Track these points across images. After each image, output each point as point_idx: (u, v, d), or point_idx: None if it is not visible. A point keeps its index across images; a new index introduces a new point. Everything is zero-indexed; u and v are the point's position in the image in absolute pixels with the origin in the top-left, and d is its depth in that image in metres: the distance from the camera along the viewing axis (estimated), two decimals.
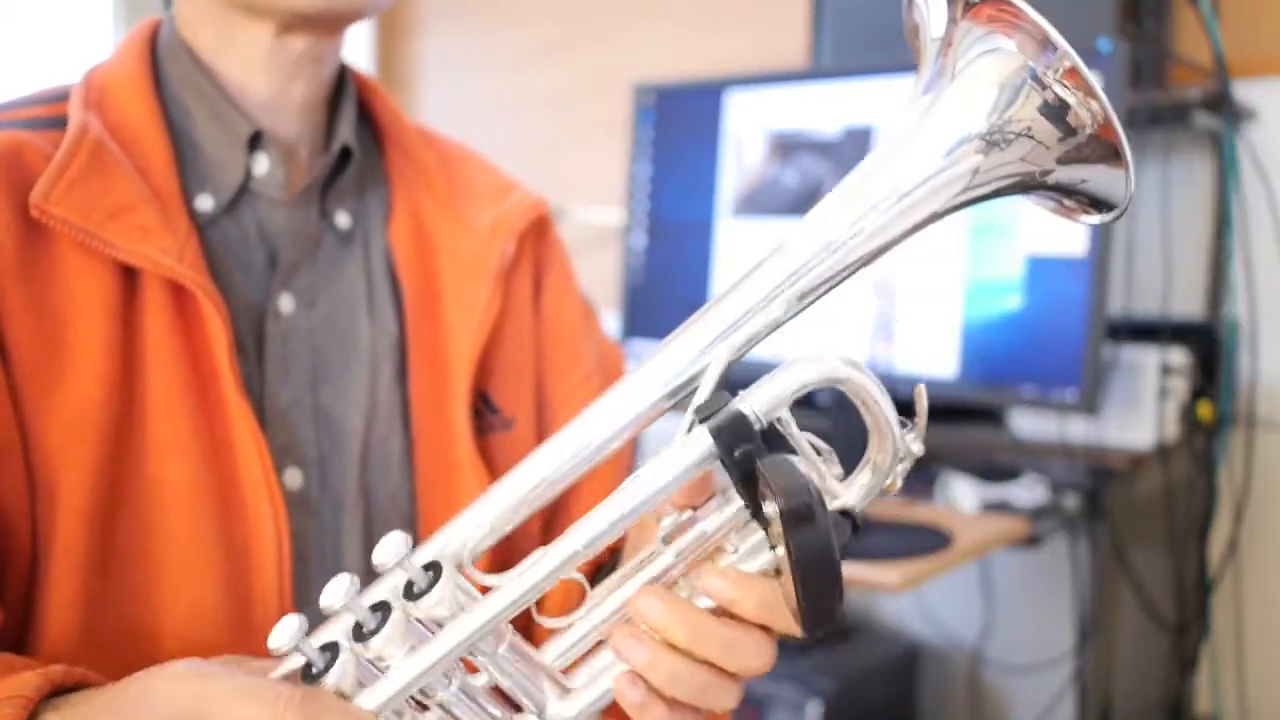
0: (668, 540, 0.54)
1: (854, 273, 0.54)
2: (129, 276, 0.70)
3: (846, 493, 0.55)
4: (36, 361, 0.66)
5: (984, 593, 1.94)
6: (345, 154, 0.80)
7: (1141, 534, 1.72)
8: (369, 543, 0.77)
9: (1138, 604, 1.69)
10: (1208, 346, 1.69)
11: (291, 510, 0.73)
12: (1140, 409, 1.61)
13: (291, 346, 0.76)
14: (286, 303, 0.76)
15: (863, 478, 0.55)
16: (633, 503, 0.52)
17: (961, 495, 1.55)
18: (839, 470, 0.56)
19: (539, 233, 0.88)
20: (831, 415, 1.74)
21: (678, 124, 1.89)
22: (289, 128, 0.78)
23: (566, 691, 0.56)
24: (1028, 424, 1.66)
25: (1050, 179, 0.52)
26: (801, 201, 1.74)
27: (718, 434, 0.50)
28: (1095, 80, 0.49)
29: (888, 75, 1.66)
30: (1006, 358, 1.54)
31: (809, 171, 1.73)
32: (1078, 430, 1.59)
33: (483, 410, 0.82)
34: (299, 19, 0.73)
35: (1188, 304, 1.75)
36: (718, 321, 0.54)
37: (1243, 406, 1.70)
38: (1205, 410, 1.66)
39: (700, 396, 0.53)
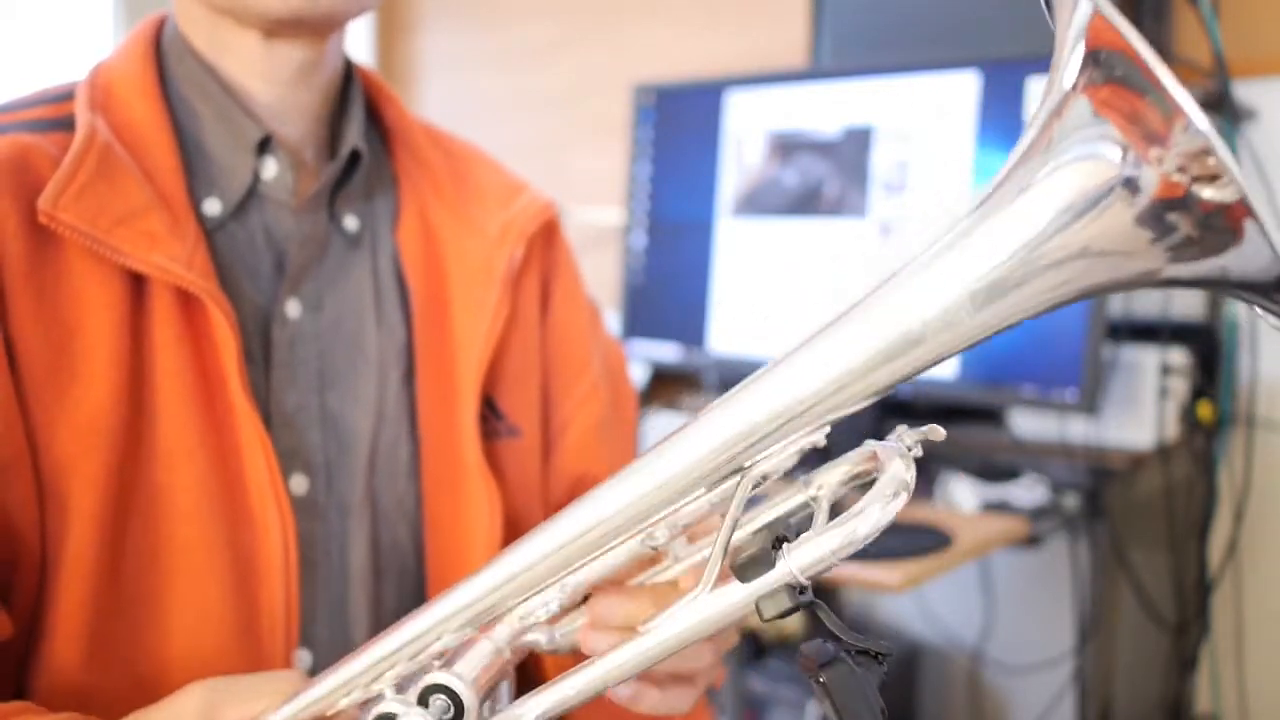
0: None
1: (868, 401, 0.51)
2: (137, 283, 0.69)
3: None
4: (46, 370, 0.66)
5: (984, 593, 1.94)
6: (354, 157, 0.79)
7: (1141, 534, 1.72)
8: (375, 548, 0.77)
9: (1138, 604, 1.69)
10: (1208, 346, 1.69)
11: (298, 515, 0.73)
12: (1140, 409, 1.61)
13: (298, 351, 0.76)
14: (293, 307, 0.76)
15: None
16: (651, 652, 0.51)
17: (961, 495, 1.55)
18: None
19: (548, 236, 0.88)
20: None
21: (678, 124, 1.89)
22: (293, 132, 0.77)
23: None
24: (1028, 424, 1.66)
25: (1151, 280, 0.46)
26: (801, 201, 1.74)
27: (761, 604, 0.48)
28: (1229, 158, 0.41)
29: (888, 75, 1.66)
30: (1006, 358, 1.54)
31: (809, 171, 1.73)
32: (1078, 430, 1.59)
33: (489, 417, 0.81)
34: (276, 25, 0.72)
35: (1188, 304, 1.75)
36: (736, 437, 0.50)
37: (1243, 406, 1.70)
38: (1205, 410, 1.66)
39: (727, 528, 0.49)
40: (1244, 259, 0.44)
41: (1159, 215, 0.43)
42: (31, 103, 0.73)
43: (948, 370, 1.58)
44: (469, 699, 0.52)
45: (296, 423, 0.75)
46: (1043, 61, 1.51)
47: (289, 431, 0.74)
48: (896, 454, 0.50)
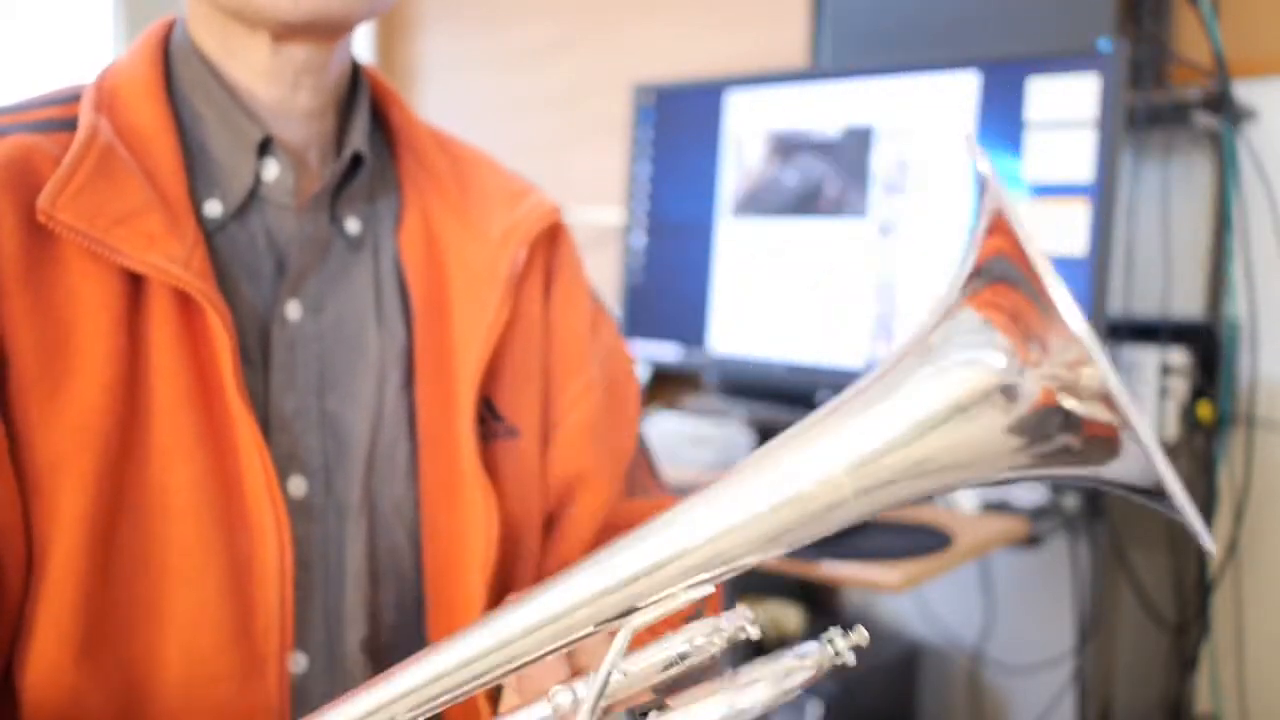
0: None
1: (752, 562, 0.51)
2: (135, 283, 0.69)
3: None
4: (39, 368, 0.66)
5: (984, 593, 1.94)
6: (357, 160, 0.79)
7: (1141, 534, 1.72)
8: (372, 551, 0.77)
9: (1138, 604, 1.69)
10: (1208, 346, 1.69)
11: (295, 518, 0.73)
12: (1140, 409, 1.61)
13: (298, 353, 0.76)
14: (293, 309, 0.76)
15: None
16: None
17: (961, 495, 1.55)
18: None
19: (552, 240, 0.88)
20: None
21: (678, 124, 1.89)
22: (297, 134, 0.77)
23: None
24: None
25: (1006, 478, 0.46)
26: (801, 201, 1.74)
27: None
28: (1113, 380, 0.40)
29: (888, 75, 1.66)
30: None
31: (809, 171, 1.73)
32: None
33: (487, 417, 0.81)
34: (288, 29, 0.72)
35: (1188, 304, 1.75)
36: (615, 590, 0.50)
37: (1243, 406, 1.70)
38: (1205, 410, 1.66)
39: (598, 681, 0.49)
40: (1121, 469, 0.43)
41: (1035, 423, 0.42)
42: (38, 104, 0.74)
43: None
44: None
45: (295, 425, 0.75)
46: (1043, 61, 1.51)
47: (287, 434, 0.74)
48: (797, 651, 0.51)
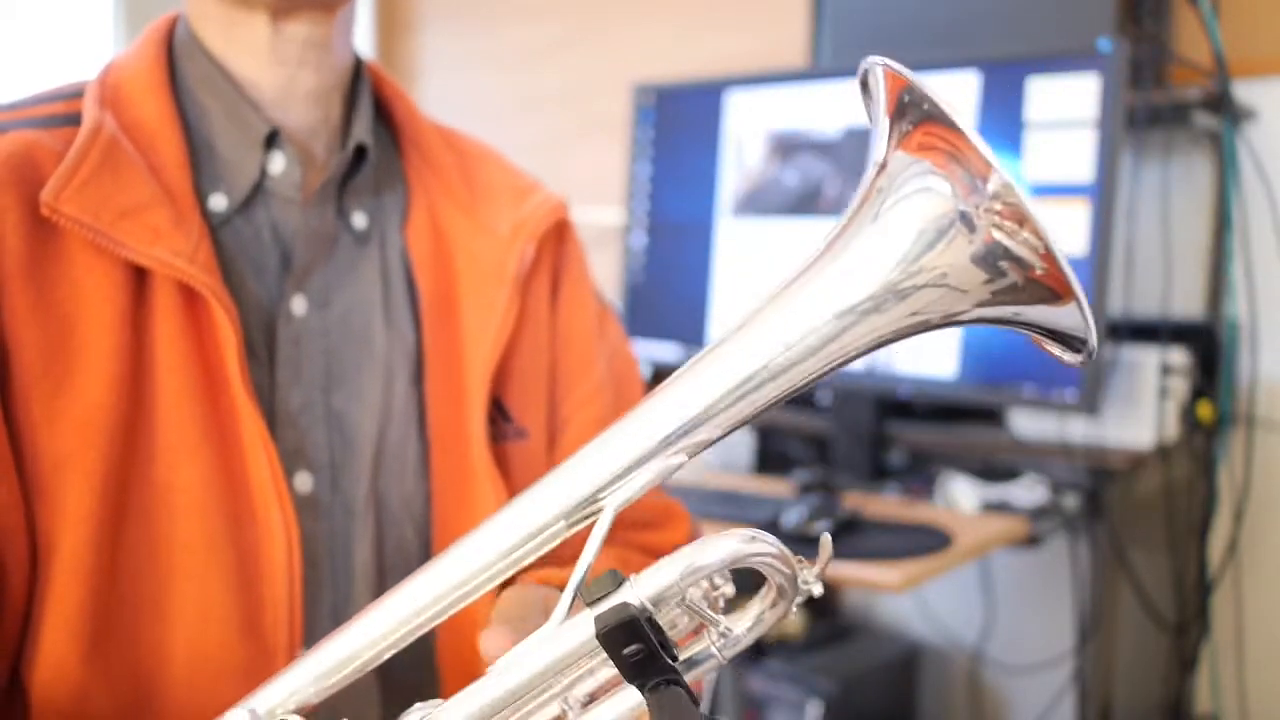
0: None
1: (742, 425, 0.51)
2: (140, 277, 0.69)
3: (738, 628, 0.52)
4: (43, 364, 0.66)
5: (984, 593, 1.94)
6: (361, 152, 0.79)
7: (1141, 534, 1.72)
8: (380, 547, 0.77)
9: (1138, 604, 1.69)
10: (1208, 346, 1.69)
11: (301, 514, 0.72)
12: (1140, 409, 1.61)
13: (304, 349, 0.75)
14: (299, 304, 0.76)
15: (749, 615, 0.52)
16: (505, 689, 0.50)
17: (961, 495, 1.55)
18: (729, 589, 0.54)
19: (559, 236, 0.88)
20: (832, 415, 1.74)
21: (678, 124, 1.89)
22: (301, 120, 0.77)
23: None
24: (1028, 424, 1.66)
25: (966, 317, 0.48)
26: (801, 201, 1.74)
27: (604, 636, 0.47)
28: (1038, 221, 0.44)
29: None
30: (1006, 358, 1.54)
31: (809, 171, 1.73)
32: (1078, 430, 1.59)
33: (497, 419, 0.81)
34: (282, 2, 0.72)
35: (1188, 304, 1.75)
36: (609, 464, 0.51)
37: (1243, 406, 1.70)
38: (1205, 410, 1.66)
39: (582, 566, 0.50)
40: (1057, 316, 0.46)
41: (991, 257, 0.45)
42: (40, 100, 0.74)
43: (948, 370, 1.58)
44: None
45: (301, 421, 0.75)
46: (1043, 61, 1.51)
47: (293, 430, 0.74)
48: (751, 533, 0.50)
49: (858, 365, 1.82)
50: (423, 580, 0.52)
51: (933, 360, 1.60)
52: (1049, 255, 0.44)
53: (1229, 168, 1.66)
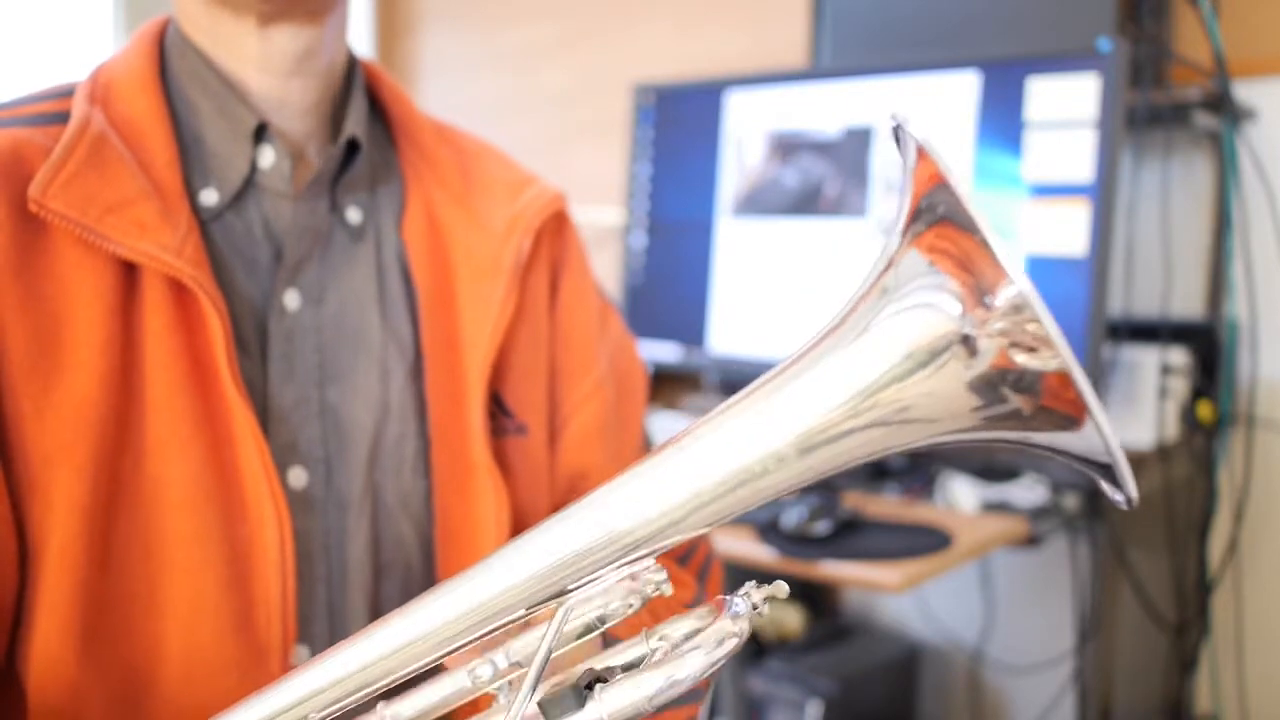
0: None
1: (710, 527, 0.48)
2: (129, 272, 0.69)
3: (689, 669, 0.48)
4: (32, 360, 0.66)
5: (984, 593, 1.94)
6: (353, 147, 0.79)
7: (1141, 534, 1.72)
8: (376, 544, 0.77)
9: (1138, 604, 1.69)
10: (1208, 346, 1.69)
11: (295, 510, 0.72)
12: (1140, 409, 1.61)
13: (297, 344, 0.75)
14: (292, 299, 0.76)
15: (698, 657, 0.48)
16: None
17: (961, 495, 1.55)
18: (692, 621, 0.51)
19: (557, 228, 0.87)
20: None
21: (678, 124, 1.89)
22: (294, 124, 0.77)
23: None
24: None
25: (969, 438, 0.43)
26: (801, 201, 1.74)
27: None
28: (1059, 339, 0.38)
29: (888, 75, 1.66)
30: None
31: (809, 171, 1.73)
32: None
33: (496, 413, 0.81)
34: (272, 8, 0.72)
35: (1188, 304, 1.75)
36: (557, 567, 0.48)
37: (1243, 406, 1.70)
38: (1205, 410, 1.66)
39: (536, 666, 0.47)
40: (1077, 442, 0.40)
41: (994, 383, 0.40)
42: (32, 99, 0.74)
43: None
44: None
45: (295, 416, 0.74)
46: (1043, 61, 1.51)
47: (287, 425, 0.74)
48: (730, 612, 0.48)
49: None
50: (365, 642, 0.50)
51: None
52: (1069, 376, 0.38)
53: (1229, 168, 1.66)
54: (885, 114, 1.65)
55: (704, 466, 0.46)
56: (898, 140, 0.45)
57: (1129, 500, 0.42)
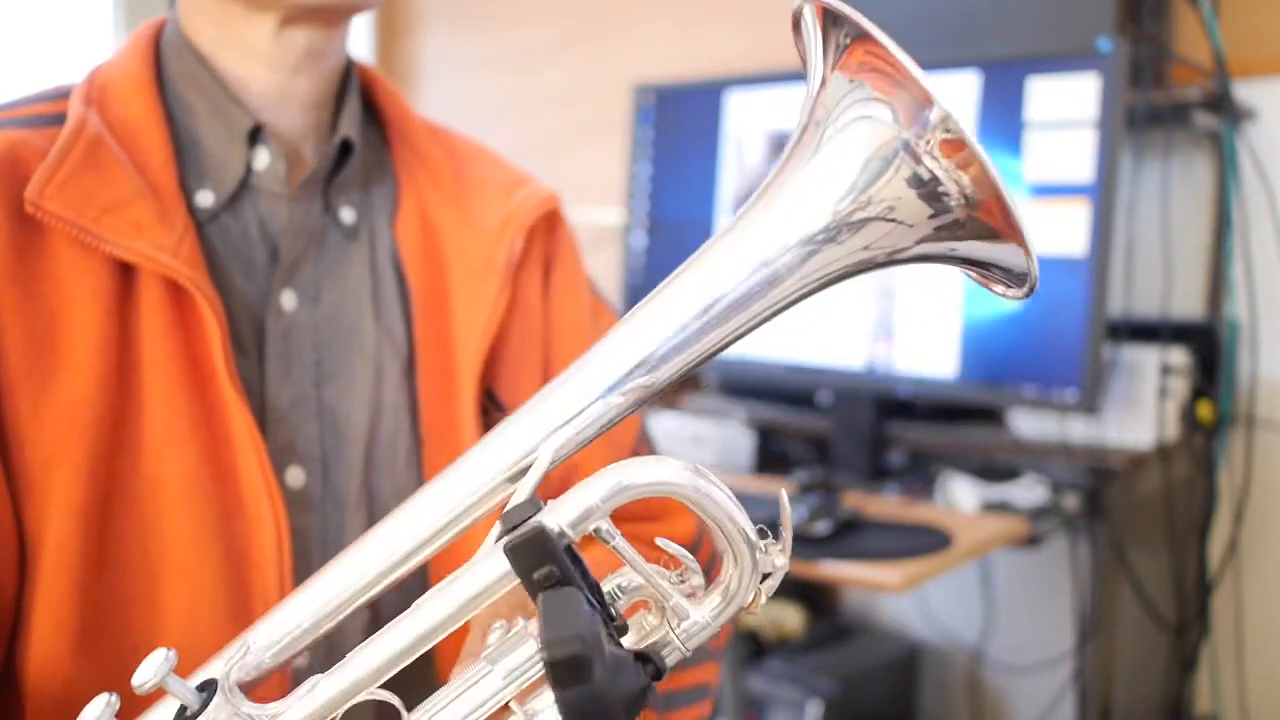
0: (493, 659, 0.48)
1: (692, 369, 0.50)
2: (125, 273, 0.69)
3: (695, 612, 0.48)
4: (30, 360, 0.66)
5: (984, 593, 1.94)
6: (347, 148, 0.79)
7: (1141, 534, 1.72)
8: None
9: (1138, 604, 1.69)
10: (1208, 346, 1.69)
11: (292, 509, 0.73)
12: (1140, 409, 1.61)
13: (293, 343, 0.76)
14: (289, 299, 0.76)
15: (713, 599, 0.48)
16: (431, 622, 0.48)
17: (961, 495, 1.55)
18: (698, 581, 0.49)
19: (549, 227, 0.87)
20: (832, 415, 1.74)
21: (678, 124, 1.89)
22: (292, 123, 0.78)
23: None
24: (1028, 424, 1.66)
25: (909, 255, 0.47)
26: None
27: (514, 553, 0.45)
28: (977, 147, 0.43)
29: None
30: (1006, 358, 1.54)
31: None
32: (1078, 430, 1.59)
33: (489, 408, 0.81)
34: (302, 11, 0.72)
35: (1188, 304, 1.75)
36: (557, 407, 0.49)
37: (1243, 406, 1.70)
38: (1205, 410, 1.66)
39: (515, 499, 0.47)
40: (998, 253, 0.45)
41: (934, 190, 0.43)
42: (28, 100, 0.74)
43: (948, 370, 1.58)
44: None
45: (292, 416, 0.75)
46: (1043, 61, 1.51)
47: (284, 424, 0.74)
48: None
49: (857, 365, 1.81)
50: (362, 550, 0.51)
51: (933, 360, 1.60)
52: (992, 187, 0.42)
53: (1229, 168, 1.66)
54: None
55: (700, 288, 0.48)
56: (796, 28, 0.48)
57: (1030, 285, 0.46)
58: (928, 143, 0.43)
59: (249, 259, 0.76)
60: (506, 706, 0.48)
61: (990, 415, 1.72)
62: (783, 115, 1.76)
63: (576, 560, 0.46)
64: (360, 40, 2.78)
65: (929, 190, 0.44)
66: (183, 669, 0.69)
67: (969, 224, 0.44)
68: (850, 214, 0.45)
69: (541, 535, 0.45)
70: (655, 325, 0.49)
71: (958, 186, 0.43)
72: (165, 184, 0.72)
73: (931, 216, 0.44)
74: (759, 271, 0.47)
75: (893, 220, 0.45)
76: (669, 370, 0.49)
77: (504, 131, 2.58)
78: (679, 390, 2.11)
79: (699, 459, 1.73)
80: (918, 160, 0.43)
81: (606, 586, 0.49)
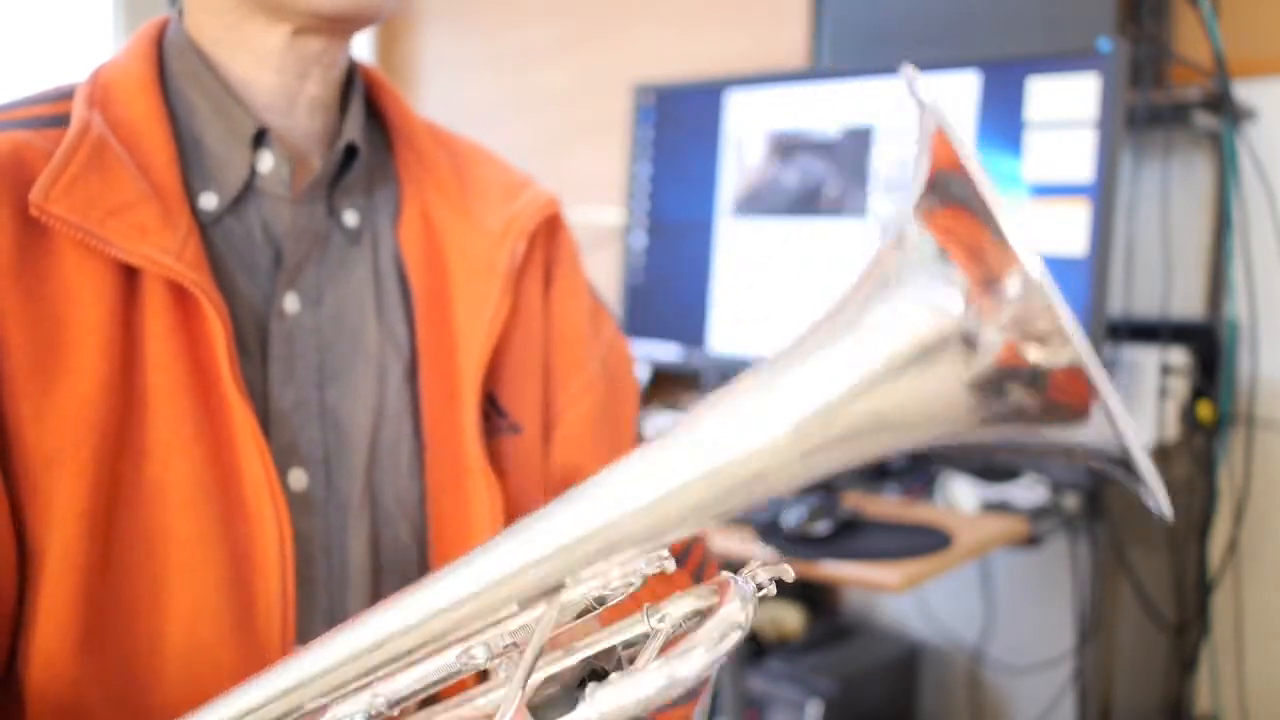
0: None
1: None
2: (130, 276, 0.69)
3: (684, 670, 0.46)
4: (32, 363, 0.66)
5: (984, 593, 1.94)
6: (352, 151, 0.79)
7: (1141, 534, 1.72)
8: (375, 545, 0.77)
9: (1138, 604, 1.69)
10: (1208, 346, 1.69)
11: (295, 511, 0.72)
12: (1140, 409, 1.61)
13: (296, 346, 0.76)
14: (292, 302, 0.76)
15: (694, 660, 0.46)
16: None
17: (961, 495, 1.55)
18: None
19: (551, 231, 0.87)
20: None
21: (678, 124, 1.89)
22: (298, 127, 0.77)
23: None
24: None
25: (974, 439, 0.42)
26: (801, 201, 1.74)
27: None
28: (1074, 330, 0.36)
29: (888, 75, 1.66)
30: None
31: (809, 171, 1.73)
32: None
33: (491, 414, 0.81)
34: (320, 20, 0.72)
35: (1188, 304, 1.75)
36: (545, 567, 0.47)
37: (1243, 406, 1.70)
38: (1205, 410, 1.66)
39: (526, 663, 0.44)
40: (1086, 435, 0.39)
41: (997, 382, 0.38)
42: (31, 101, 0.74)
43: None
44: None
45: (295, 418, 0.75)
46: (1042, 61, 1.51)
47: (287, 427, 0.74)
48: (739, 594, 0.46)
49: None
50: (334, 639, 0.50)
51: None
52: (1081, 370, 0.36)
53: (1229, 168, 1.66)
54: (886, 113, 1.65)
55: (701, 473, 0.45)
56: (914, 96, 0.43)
57: (1160, 509, 0.40)
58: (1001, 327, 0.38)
59: (252, 262, 0.75)
60: None
61: None
62: (783, 115, 1.76)
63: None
64: (360, 40, 2.77)
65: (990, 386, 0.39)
66: (185, 672, 0.69)
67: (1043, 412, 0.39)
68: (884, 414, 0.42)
69: None
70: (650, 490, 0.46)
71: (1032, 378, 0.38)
72: (169, 186, 0.72)
73: (975, 409, 0.40)
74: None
75: (920, 427, 0.42)
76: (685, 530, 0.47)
77: (504, 131, 2.58)
78: (679, 390, 2.12)
79: None
80: (975, 350, 0.38)
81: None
